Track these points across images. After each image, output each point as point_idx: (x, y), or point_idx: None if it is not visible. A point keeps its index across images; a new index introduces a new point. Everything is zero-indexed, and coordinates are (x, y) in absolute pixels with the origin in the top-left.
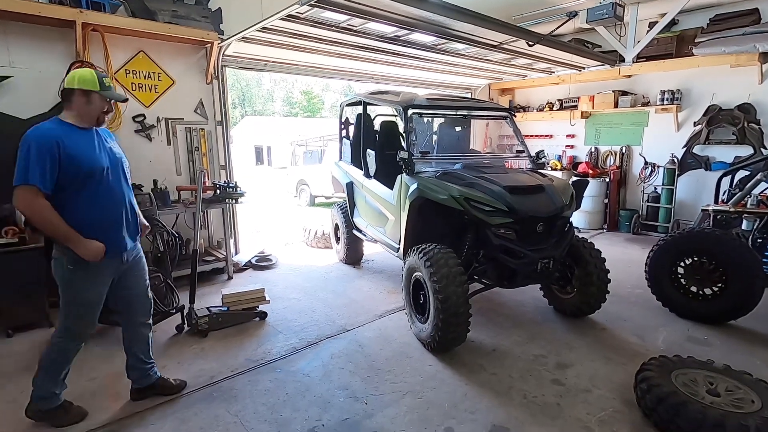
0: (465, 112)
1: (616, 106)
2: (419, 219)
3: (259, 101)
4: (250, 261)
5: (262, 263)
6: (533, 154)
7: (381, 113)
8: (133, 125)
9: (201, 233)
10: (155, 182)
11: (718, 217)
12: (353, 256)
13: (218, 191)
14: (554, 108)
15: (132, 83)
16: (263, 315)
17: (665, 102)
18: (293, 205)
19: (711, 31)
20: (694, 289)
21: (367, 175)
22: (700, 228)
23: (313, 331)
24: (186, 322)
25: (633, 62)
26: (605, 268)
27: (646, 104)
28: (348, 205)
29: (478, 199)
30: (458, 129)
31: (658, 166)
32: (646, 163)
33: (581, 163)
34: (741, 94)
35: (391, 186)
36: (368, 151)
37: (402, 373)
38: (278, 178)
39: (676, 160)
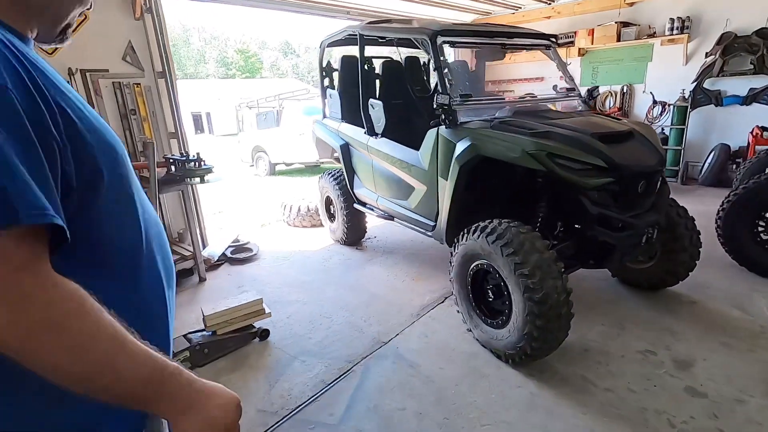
0: (504, 41)
1: (618, 39)
2: (469, 186)
3: (190, 63)
4: (224, 254)
5: (240, 255)
6: (583, 92)
7: (377, 55)
8: None
9: None
10: None
11: None
12: (354, 235)
13: (174, 168)
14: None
15: None
16: (265, 334)
17: (674, 32)
18: (251, 176)
19: None
20: None
21: (372, 133)
22: None
23: (340, 350)
24: None
25: None
26: (697, 229)
27: (652, 35)
28: (345, 173)
29: (565, 153)
30: (473, 67)
31: (669, 105)
32: (654, 101)
33: None
34: (758, 18)
35: (415, 145)
36: (371, 102)
37: (488, 406)
38: (226, 146)
39: (687, 96)
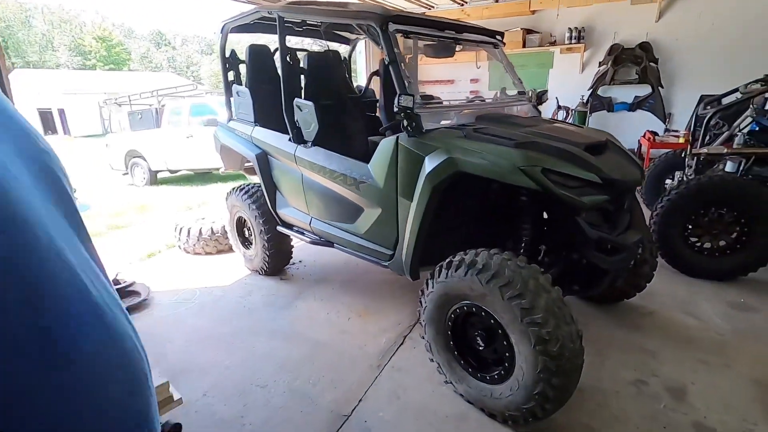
0: (453, 35)
1: (524, 45)
2: (440, 208)
3: (32, 50)
4: None
5: (123, 301)
6: (532, 95)
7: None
8: None
9: None
10: None
11: (702, 158)
12: (277, 263)
13: None
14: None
15: None
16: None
17: (572, 41)
18: (125, 187)
19: None
20: (708, 245)
21: (299, 140)
22: (720, 175)
23: None
24: None
25: None
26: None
27: (553, 43)
28: (264, 189)
29: (560, 168)
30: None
31: (572, 109)
32: (559, 106)
33: None
34: (640, 32)
35: (355, 155)
36: (298, 103)
37: None
38: (88, 150)
39: (586, 102)
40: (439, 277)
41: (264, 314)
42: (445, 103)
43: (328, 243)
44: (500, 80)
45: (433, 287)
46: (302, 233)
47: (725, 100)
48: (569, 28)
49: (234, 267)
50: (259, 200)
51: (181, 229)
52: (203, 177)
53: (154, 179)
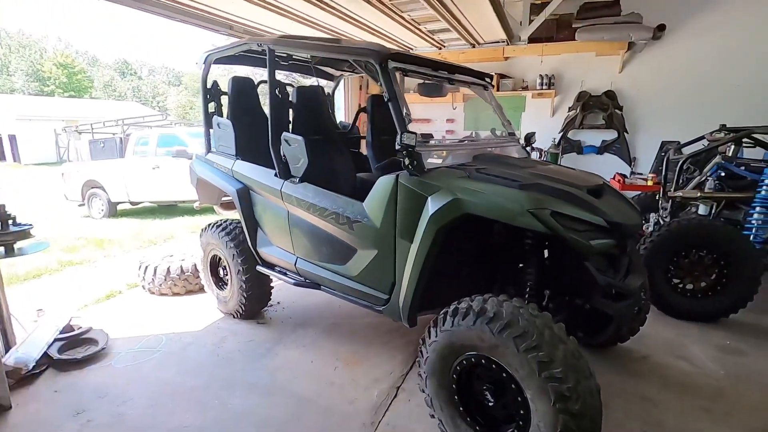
0: (447, 75)
1: (498, 89)
2: (443, 251)
3: None
4: (47, 354)
5: (76, 353)
6: (522, 137)
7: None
8: None
9: None
10: None
11: (677, 200)
12: (255, 305)
13: None
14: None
15: None
16: None
17: (543, 87)
18: (81, 219)
19: (582, 18)
20: (690, 286)
21: (286, 176)
22: (699, 218)
23: None
24: None
25: (527, 41)
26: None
27: (525, 88)
28: (244, 226)
29: (568, 211)
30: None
31: (545, 151)
32: (532, 147)
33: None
34: (605, 81)
35: (343, 192)
36: (287, 137)
37: None
38: (41, 179)
39: (558, 144)
40: (443, 325)
41: (240, 364)
42: (436, 142)
43: (314, 285)
44: (475, 121)
45: (436, 336)
46: (284, 274)
47: (688, 148)
48: (540, 75)
49: (205, 309)
50: (237, 237)
51: (146, 267)
52: (167, 210)
53: (113, 211)
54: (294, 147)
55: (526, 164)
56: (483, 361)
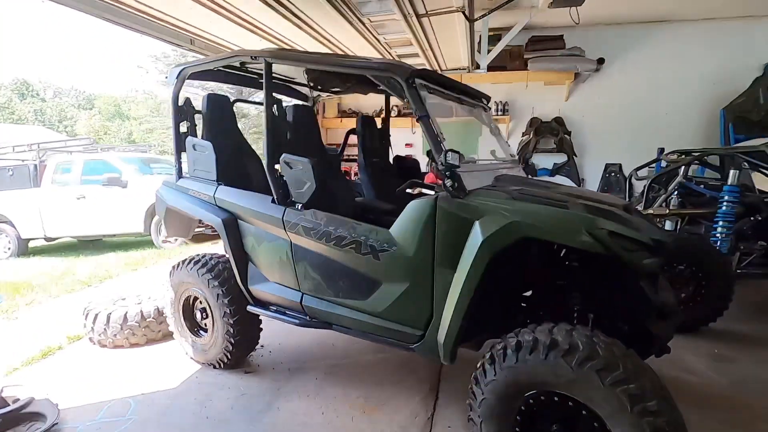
0: (459, 96)
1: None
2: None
3: None
4: None
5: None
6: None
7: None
8: None
9: None
10: None
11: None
12: (242, 351)
13: None
14: (392, 115)
15: None
16: None
17: (499, 113)
18: None
19: (531, 49)
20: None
21: (286, 202)
22: (677, 236)
23: None
24: None
25: (486, 69)
26: None
27: None
28: (233, 261)
29: (621, 231)
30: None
31: None
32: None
33: (426, 174)
34: (554, 108)
35: (360, 220)
36: (288, 159)
37: None
38: None
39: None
40: (504, 361)
41: (238, 425)
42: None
43: (324, 324)
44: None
45: (495, 375)
46: (283, 314)
47: (642, 171)
48: (495, 102)
49: (175, 361)
50: (222, 274)
51: (96, 314)
52: (92, 245)
53: (23, 249)
54: (297, 170)
55: (549, 185)
56: (555, 399)
